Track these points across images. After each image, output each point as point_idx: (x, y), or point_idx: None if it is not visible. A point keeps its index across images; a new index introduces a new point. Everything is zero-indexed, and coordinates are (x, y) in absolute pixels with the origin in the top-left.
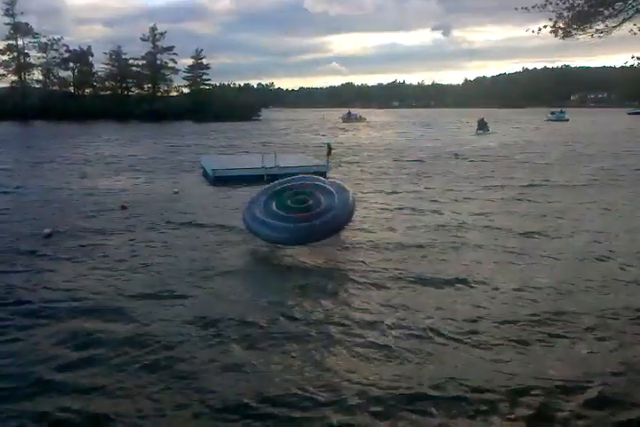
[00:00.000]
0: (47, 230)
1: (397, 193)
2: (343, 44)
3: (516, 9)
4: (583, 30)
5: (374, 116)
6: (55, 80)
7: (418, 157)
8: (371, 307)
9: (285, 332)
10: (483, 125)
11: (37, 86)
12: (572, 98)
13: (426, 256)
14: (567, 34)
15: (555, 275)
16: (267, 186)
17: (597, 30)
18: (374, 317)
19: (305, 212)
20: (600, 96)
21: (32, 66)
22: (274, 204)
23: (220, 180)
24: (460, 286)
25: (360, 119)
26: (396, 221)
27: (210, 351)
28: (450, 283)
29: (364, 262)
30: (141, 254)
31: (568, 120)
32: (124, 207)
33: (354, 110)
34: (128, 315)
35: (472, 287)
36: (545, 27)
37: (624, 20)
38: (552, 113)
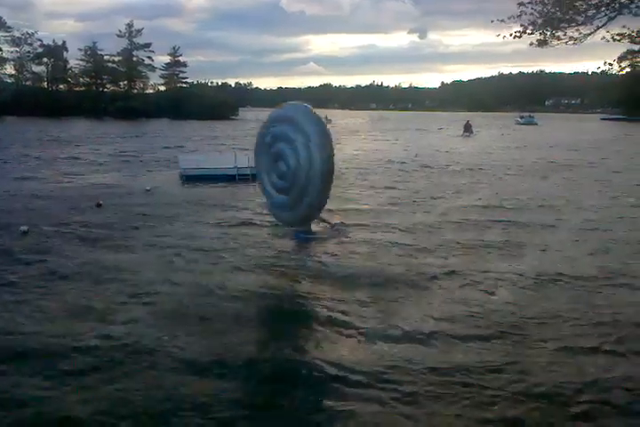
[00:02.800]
0: (24, 227)
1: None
2: (321, 44)
3: (492, 21)
4: (557, 38)
5: (350, 117)
6: (28, 75)
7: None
8: None
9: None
10: (468, 128)
11: (10, 81)
12: (546, 103)
13: None
14: (542, 42)
15: None
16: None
17: (571, 37)
18: None
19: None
20: (573, 102)
21: (4, 60)
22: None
23: (191, 179)
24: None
25: (326, 121)
26: None
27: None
28: None
29: None
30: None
31: (537, 124)
32: (98, 205)
33: (331, 111)
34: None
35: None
36: (517, 33)
37: (597, 28)
38: (521, 117)
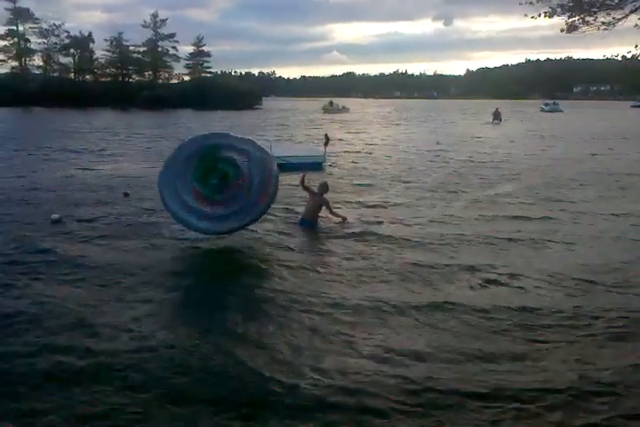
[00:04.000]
0: (55, 216)
1: None
2: (344, 32)
3: (520, 4)
4: (587, 23)
5: (373, 106)
6: (56, 66)
7: None
8: None
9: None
10: (497, 116)
11: (38, 72)
12: (574, 90)
13: None
14: (572, 28)
15: None
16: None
17: (602, 22)
18: None
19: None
20: (602, 88)
21: (33, 52)
22: None
23: None
24: None
25: (343, 110)
26: None
27: None
28: None
29: None
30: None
31: (562, 111)
32: (126, 194)
33: (353, 100)
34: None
35: None
36: (547, 13)
37: (630, 12)
38: (546, 104)
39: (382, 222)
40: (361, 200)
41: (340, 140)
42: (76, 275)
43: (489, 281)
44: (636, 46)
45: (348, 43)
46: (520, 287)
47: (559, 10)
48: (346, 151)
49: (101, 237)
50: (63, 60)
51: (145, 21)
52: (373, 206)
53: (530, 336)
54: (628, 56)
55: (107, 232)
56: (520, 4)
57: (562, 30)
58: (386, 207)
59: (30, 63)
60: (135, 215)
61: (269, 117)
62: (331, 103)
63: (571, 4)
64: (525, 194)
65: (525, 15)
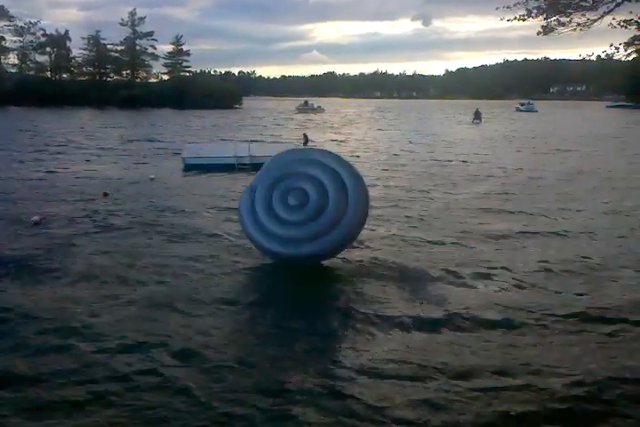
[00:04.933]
0: (36, 218)
1: None
2: (324, 32)
3: (497, 8)
4: (563, 25)
5: (352, 106)
6: (32, 65)
7: None
8: None
9: None
10: (478, 115)
11: (13, 71)
12: (551, 90)
13: None
14: (549, 30)
15: None
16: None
17: (578, 24)
18: None
19: None
20: (579, 89)
21: (7, 50)
22: None
23: (192, 167)
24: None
25: (318, 109)
26: None
27: None
28: None
29: None
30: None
31: (536, 111)
32: (105, 194)
33: (334, 99)
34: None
35: None
36: (522, 16)
37: (604, 14)
38: (522, 104)
39: None
40: None
41: (312, 141)
42: (58, 275)
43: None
44: (611, 45)
45: (329, 42)
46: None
47: (535, 12)
48: None
49: (82, 237)
50: (39, 58)
51: (123, 19)
52: None
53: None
54: (603, 56)
55: (88, 231)
56: (497, 8)
57: (538, 33)
58: None
59: (5, 62)
60: (116, 215)
61: (245, 117)
62: (305, 103)
63: (545, 6)
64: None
65: (501, 19)
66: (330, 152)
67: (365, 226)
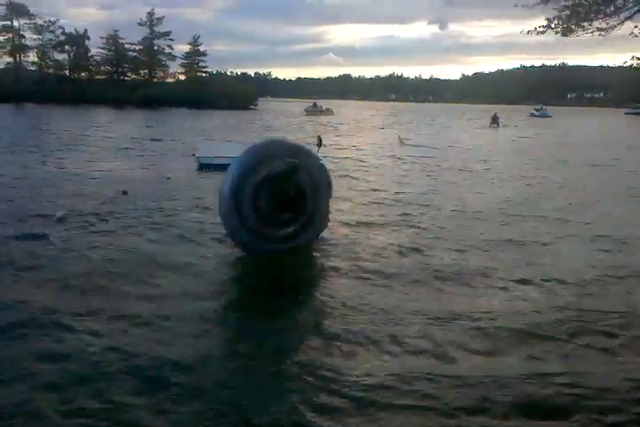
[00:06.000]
0: (60, 213)
1: None
2: (340, 34)
3: (516, 6)
4: (583, 28)
5: (366, 109)
6: (50, 63)
7: None
8: None
9: None
10: (495, 120)
11: (32, 69)
12: (568, 96)
13: None
14: (567, 31)
15: None
16: None
17: (598, 28)
18: None
19: None
20: (597, 96)
21: (27, 48)
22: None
23: (206, 166)
24: None
25: (327, 112)
26: None
27: None
28: None
29: None
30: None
31: (550, 117)
32: (124, 192)
33: (349, 102)
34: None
35: None
36: (542, 27)
37: (626, 19)
38: (536, 110)
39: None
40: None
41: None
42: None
43: None
44: (633, 57)
45: (344, 45)
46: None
47: (555, 22)
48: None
49: (106, 234)
50: (58, 56)
51: (141, 19)
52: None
53: None
54: (624, 64)
55: (112, 229)
56: (516, 6)
57: (556, 32)
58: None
59: (25, 59)
60: (137, 213)
61: (254, 118)
62: (314, 105)
63: (565, 17)
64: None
65: (521, 32)
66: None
67: None
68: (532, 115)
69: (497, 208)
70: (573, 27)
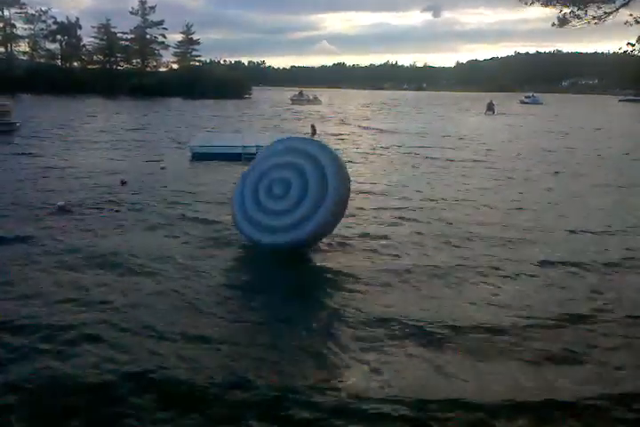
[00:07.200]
0: (60, 203)
1: None
2: (334, 22)
3: None
4: (578, 17)
5: (360, 97)
6: (42, 53)
7: None
8: None
9: None
10: (490, 107)
11: (24, 58)
12: (563, 83)
13: None
14: (563, 22)
15: None
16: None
17: (593, 17)
18: None
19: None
20: (591, 82)
21: (18, 37)
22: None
23: (199, 157)
24: None
25: (314, 101)
26: None
27: None
28: None
29: None
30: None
31: (541, 104)
32: (123, 182)
33: (343, 91)
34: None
35: None
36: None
37: (620, 6)
38: (527, 97)
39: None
40: None
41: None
42: (80, 260)
43: None
44: (628, 44)
45: (338, 33)
46: None
47: (555, 0)
48: None
49: (106, 224)
50: (50, 46)
51: (133, 8)
52: None
53: None
54: (619, 51)
55: (110, 219)
56: None
57: (553, 24)
58: None
59: (16, 49)
60: (135, 202)
61: (243, 107)
62: (300, 93)
63: None
64: None
65: (525, 2)
66: (313, 140)
67: None
68: (523, 102)
69: None
70: (568, 17)
